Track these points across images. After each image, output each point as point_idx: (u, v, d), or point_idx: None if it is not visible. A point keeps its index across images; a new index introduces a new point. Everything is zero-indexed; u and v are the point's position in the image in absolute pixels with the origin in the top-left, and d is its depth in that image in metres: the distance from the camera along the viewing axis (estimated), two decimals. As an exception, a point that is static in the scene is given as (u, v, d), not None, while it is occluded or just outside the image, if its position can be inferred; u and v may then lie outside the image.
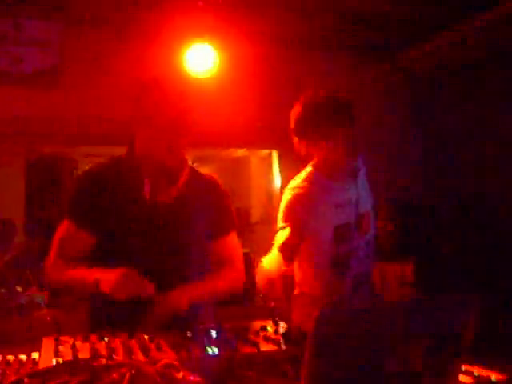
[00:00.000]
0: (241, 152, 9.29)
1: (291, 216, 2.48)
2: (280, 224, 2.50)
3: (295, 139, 2.60)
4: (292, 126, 2.59)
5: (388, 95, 5.53)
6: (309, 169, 2.59)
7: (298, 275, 2.63)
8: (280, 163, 5.49)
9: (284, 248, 2.45)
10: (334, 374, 1.10)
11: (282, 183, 5.42)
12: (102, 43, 4.55)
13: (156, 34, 4.55)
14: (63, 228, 2.21)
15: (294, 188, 2.52)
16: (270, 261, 2.46)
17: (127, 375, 1.13)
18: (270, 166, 7.55)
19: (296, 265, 2.61)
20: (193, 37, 4.50)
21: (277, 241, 2.48)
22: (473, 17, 4.49)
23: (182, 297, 2.11)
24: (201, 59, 4.56)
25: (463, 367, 1.51)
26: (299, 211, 2.47)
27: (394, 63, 5.43)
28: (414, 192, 5.25)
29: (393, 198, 4.65)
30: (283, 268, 2.45)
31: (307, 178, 2.54)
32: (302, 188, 2.50)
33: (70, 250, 2.19)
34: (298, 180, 2.55)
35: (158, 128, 2.10)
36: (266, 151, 7.03)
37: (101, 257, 2.18)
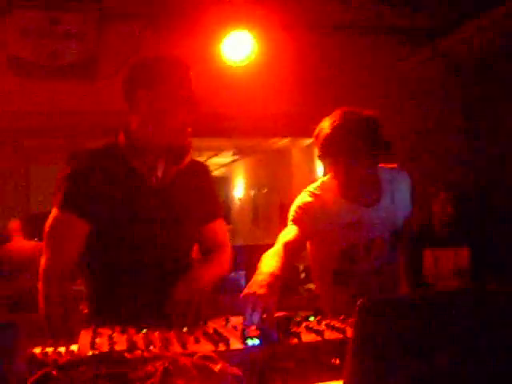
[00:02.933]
0: (281, 143, 9.25)
1: (294, 217, 2.45)
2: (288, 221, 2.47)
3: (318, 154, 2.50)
4: (317, 143, 2.47)
5: (433, 82, 5.38)
6: (323, 180, 2.56)
7: None
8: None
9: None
10: (378, 366, 1.03)
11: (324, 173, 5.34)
12: (137, 35, 4.54)
13: (192, 23, 4.52)
14: (60, 220, 2.09)
15: (303, 198, 2.48)
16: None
17: (161, 368, 1.08)
18: (311, 156, 7.48)
19: None
20: (230, 25, 4.45)
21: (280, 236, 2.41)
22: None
23: (202, 280, 2.10)
24: (239, 47, 4.51)
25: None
26: (300, 217, 2.43)
27: (436, 48, 5.28)
28: (465, 181, 5.13)
29: (447, 185, 4.53)
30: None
31: (317, 194, 2.49)
32: (309, 200, 2.46)
33: (65, 242, 2.10)
34: (308, 193, 2.50)
35: (146, 113, 2.09)
36: (306, 142, 6.97)
37: (99, 246, 2.12)
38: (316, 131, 2.44)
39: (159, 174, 2.16)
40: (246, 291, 1.82)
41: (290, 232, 2.39)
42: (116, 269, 2.14)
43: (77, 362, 1.13)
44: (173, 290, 2.00)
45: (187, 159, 2.21)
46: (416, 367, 1.04)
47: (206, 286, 2.12)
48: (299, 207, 2.45)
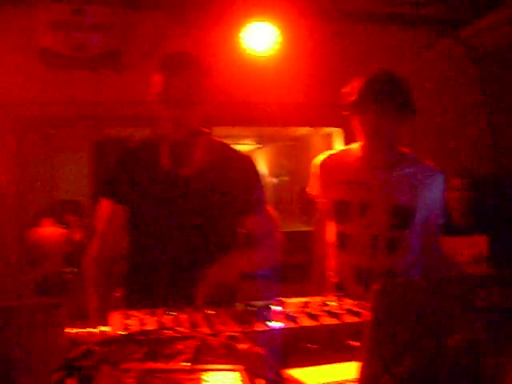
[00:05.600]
0: (302, 130, 9.28)
1: (314, 185, 2.65)
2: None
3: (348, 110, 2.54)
4: (347, 99, 2.52)
5: (452, 71, 5.39)
6: (343, 147, 2.78)
7: None
8: (346, 140, 5.43)
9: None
10: (394, 347, 1.10)
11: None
12: (162, 26, 4.62)
13: (214, 15, 4.57)
14: (102, 208, 2.30)
15: (320, 156, 2.66)
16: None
17: (193, 346, 1.17)
18: (330, 143, 7.51)
19: None
20: (252, 16, 4.51)
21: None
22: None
23: (229, 269, 2.17)
24: (261, 38, 4.57)
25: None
26: (314, 184, 2.65)
27: (457, 37, 5.28)
28: (483, 169, 5.14)
29: (464, 172, 4.54)
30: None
31: (330, 156, 2.66)
32: (318, 164, 2.63)
33: (113, 230, 2.30)
34: (321, 157, 2.65)
35: (165, 103, 2.17)
36: (327, 129, 7.00)
37: (131, 230, 2.30)
38: (346, 88, 2.51)
39: (177, 165, 2.26)
40: None
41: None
42: (148, 255, 2.26)
43: (114, 339, 1.22)
44: (206, 272, 2.07)
45: (199, 152, 2.28)
46: (428, 348, 1.11)
47: (239, 272, 2.20)
48: (312, 174, 2.64)
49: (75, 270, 5.23)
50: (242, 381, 1.03)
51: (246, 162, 2.42)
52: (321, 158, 2.63)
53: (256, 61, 4.74)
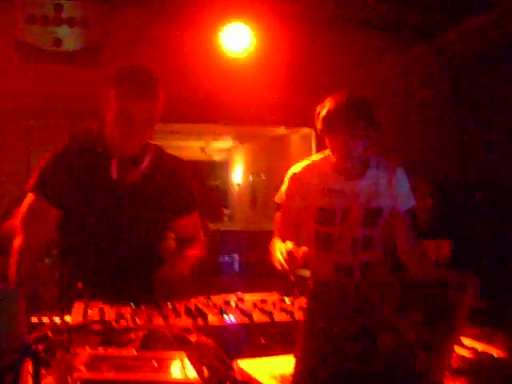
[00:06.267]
0: (281, 130, 9.36)
1: (284, 194, 2.77)
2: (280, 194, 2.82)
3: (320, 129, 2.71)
4: (317, 121, 2.68)
5: (425, 77, 5.51)
6: (315, 157, 2.84)
7: None
8: (317, 141, 5.53)
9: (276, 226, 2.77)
10: (327, 346, 1.18)
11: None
12: (141, 23, 4.67)
13: (194, 14, 4.64)
14: (31, 202, 2.24)
15: (292, 170, 2.77)
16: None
17: (141, 335, 1.24)
18: (309, 144, 7.60)
19: None
20: (229, 17, 4.59)
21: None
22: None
23: (181, 266, 2.26)
24: (237, 39, 4.66)
25: (466, 342, 1.59)
26: (289, 190, 2.75)
27: (431, 44, 5.40)
28: (452, 175, 5.27)
29: (431, 177, 4.67)
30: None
31: (307, 166, 2.78)
32: (296, 172, 2.76)
33: (38, 225, 2.24)
34: (299, 166, 2.78)
35: (120, 119, 2.16)
36: (305, 130, 7.08)
37: (66, 232, 2.30)
38: (319, 109, 2.66)
39: (123, 172, 2.27)
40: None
41: (281, 216, 2.76)
42: (82, 257, 2.31)
43: (71, 327, 1.29)
44: (157, 272, 2.15)
45: (145, 162, 2.31)
46: (361, 345, 1.19)
47: (185, 271, 2.28)
48: (286, 183, 2.76)
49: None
50: (183, 366, 1.10)
51: (179, 167, 2.50)
52: (298, 168, 2.77)
53: (234, 61, 4.82)
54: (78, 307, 1.76)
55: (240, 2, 4.43)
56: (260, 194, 11.22)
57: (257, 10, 4.56)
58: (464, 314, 1.32)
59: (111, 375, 1.01)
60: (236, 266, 7.48)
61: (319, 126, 2.66)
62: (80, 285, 2.04)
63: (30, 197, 2.25)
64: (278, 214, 2.80)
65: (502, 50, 4.95)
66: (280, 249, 2.40)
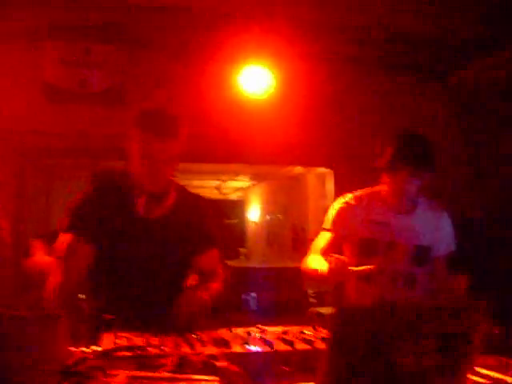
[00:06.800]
0: (297, 170, 9.47)
1: (330, 222, 2.88)
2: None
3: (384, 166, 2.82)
4: (379, 158, 2.81)
5: (441, 116, 5.61)
6: (364, 190, 2.94)
7: None
8: (335, 181, 5.62)
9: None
10: (349, 371, 1.25)
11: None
12: (162, 65, 4.83)
13: (213, 55, 4.80)
14: (67, 240, 2.30)
15: (342, 199, 2.91)
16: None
17: (175, 360, 1.31)
18: (324, 183, 7.68)
19: None
20: (248, 58, 4.74)
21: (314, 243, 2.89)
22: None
23: (202, 295, 2.32)
24: (256, 80, 4.80)
25: (481, 371, 1.64)
26: (336, 219, 2.86)
27: (445, 84, 5.52)
28: (469, 209, 5.32)
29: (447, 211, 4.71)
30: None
31: (356, 196, 2.90)
32: (346, 201, 2.89)
33: (74, 261, 2.30)
34: (349, 195, 2.90)
35: (142, 158, 2.26)
36: (321, 169, 7.18)
37: (97, 267, 2.36)
38: (378, 149, 2.82)
39: (149, 207, 2.38)
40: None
41: (322, 237, 2.87)
42: (112, 292, 2.38)
43: (106, 351, 1.37)
44: (178, 299, 2.23)
45: (169, 200, 2.43)
46: (381, 366, 1.26)
47: (205, 299, 2.33)
48: (335, 209, 2.89)
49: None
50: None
51: (202, 204, 2.61)
52: (348, 196, 2.89)
53: (252, 102, 4.95)
54: (108, 337, 1.83)
55: (259, 43, 4.57)
56: (276, 232, 11.28)
57: (275, 50, 4.71)
58: (478, 339, 1.38)
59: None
60: (252, 303, 7.50)
61: (383, 162, 2.78)
62: (108, 316, 2.12)
63: (64, 235, 2.33)
64: (320, 235, 2.90)
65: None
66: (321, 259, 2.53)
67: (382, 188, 2.88)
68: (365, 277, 2.72)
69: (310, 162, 6.15)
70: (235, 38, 4.48)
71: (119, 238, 2.36)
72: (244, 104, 4.95)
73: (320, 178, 8.80)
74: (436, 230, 2.88)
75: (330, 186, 5.95)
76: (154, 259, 2.40)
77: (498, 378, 1.60)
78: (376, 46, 4.96)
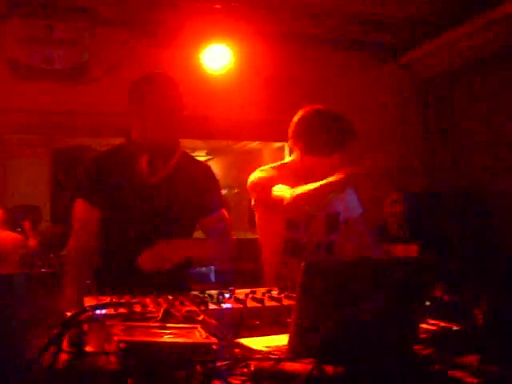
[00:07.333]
0: (254, 144, 9.62)
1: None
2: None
3: (290, 142, 3.00)
4: (289, 132, 2.96)
5: (395, 94, 5.84)
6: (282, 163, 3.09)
7: None
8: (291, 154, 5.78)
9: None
10: (315, 320, 1.42)
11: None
12: (125, 43, 4.91)
13: (175, 34, 4.90)
14: (79, 208, 2.54)
15: (262, 171, 2.97)
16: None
17: (161, 312, 1.47)
18: (281, 158, 7.85)
19: None
20: (210, 36, 4.86)
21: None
22: (478, 16, 4.74)
23: (177, 247, 2.49)
24: (216, 57, 4.93)
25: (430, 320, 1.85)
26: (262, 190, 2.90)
27: (400, 62, 5.75)
28: (418, 185, 5.59)
29: (399, 186, 4.95)
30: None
31: (277, 167, 2.99)
32: (267, 172, 2.96)
33: (88, 229, 2.53)
34: (264, 169, 2.98)
35: (154, 115, 2.45)
36: (278, 144, 7.35)
37: (104, 232, 2.54)
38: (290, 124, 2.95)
39: (152, 170, 2.52)
40: None
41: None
42: (119, 255, 2.53)
43: (108, 303, 1.53)
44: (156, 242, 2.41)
45: (175, 159, 2.58)
46: (346, 312, 1.44)
47: (186, 255, 2.53)
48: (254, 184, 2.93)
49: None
50: (199, 333, 1.33)
51: (206, 170, 2.75)
52: (262, 173, 2.95)
53: (211, 79, 5.07)
54: (89, 301, 1.96)
55: (220, 23, 4.69)
56: (233, 207, 11.42)
57: (236, 30, 4.84)
58: (428, 294, 1.59)
59: (145, 338, 1.24)
60: (212, 277, 7.59)
61: (290, 134, 2.93)
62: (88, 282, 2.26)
63: (78, 204, 2.52)
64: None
65: (471, 65, 5.29)
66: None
67: (294, 161, 3.00)
68: (291, 251, 2.90)
69: (266, 137, 6.30)
70: (198, 16, 4.59)
71: (123, 200, 2.49)
72: (203, 81, 5.07)
73: (275, 153, 8.97)
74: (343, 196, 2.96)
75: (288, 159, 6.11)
76: (158, 219, 2.52)
77: (444, 325, 1.81)
78: (333, 25, 5.14)
